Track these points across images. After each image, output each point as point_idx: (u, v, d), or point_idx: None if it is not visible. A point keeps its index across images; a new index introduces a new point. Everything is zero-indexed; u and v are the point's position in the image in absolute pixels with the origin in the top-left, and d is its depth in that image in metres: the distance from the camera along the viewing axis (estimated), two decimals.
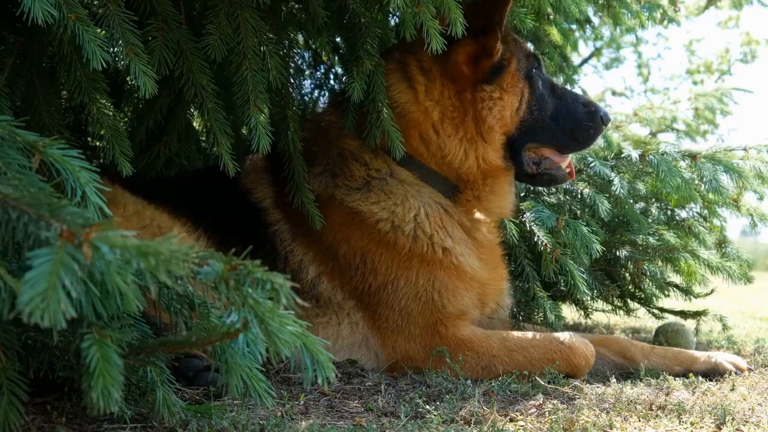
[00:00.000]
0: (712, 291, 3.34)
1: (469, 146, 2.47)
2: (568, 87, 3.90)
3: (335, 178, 2.47)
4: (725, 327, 3.37)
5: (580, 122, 2.56)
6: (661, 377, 2.32)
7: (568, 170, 2.62)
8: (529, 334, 2.35)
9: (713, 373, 2.44)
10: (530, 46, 2.89)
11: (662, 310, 3.46)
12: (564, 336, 2.33)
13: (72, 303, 0.96)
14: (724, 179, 2.77)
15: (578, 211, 2.98)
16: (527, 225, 2.79)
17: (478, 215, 2.58)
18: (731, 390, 2.19)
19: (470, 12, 2.16)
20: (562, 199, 3.07)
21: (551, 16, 3.37)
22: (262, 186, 2.53)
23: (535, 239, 2.72)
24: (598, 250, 2.62)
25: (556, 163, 2.59)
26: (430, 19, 2.06)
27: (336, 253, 2.41)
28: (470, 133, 2.47)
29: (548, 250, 2.67)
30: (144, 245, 1.03)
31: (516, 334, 2.36)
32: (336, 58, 3.65)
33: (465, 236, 2.51)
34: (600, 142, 3.79)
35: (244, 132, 2.26)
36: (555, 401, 1.94)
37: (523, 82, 2.52)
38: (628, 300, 3.44)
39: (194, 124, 2.99)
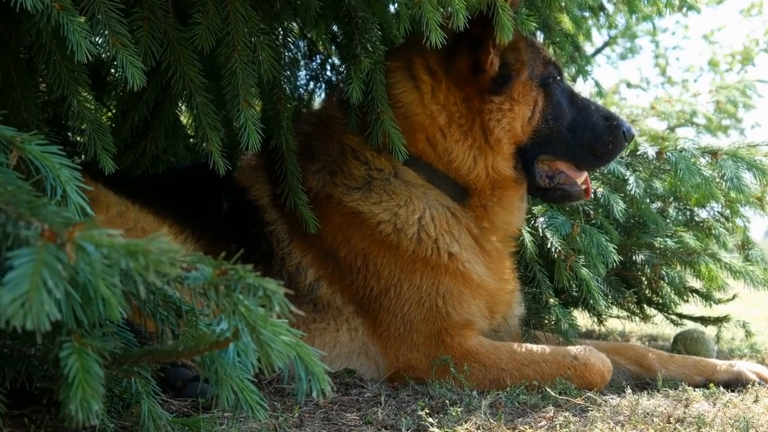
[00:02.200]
0: (734, 296, 3.34)
1: (479, 154, 2.48)
2: (581, 80, 3.90)
3: (334, 176, 2.48)
4: (748, 334, 3.37)
5: (599, 136, 2.55)
6: (680, 388, 2.31)
7: (584, 187, 2.60)
8: (541, 348, 2.35)
9: (735, 383, 2.44)
10: (539, 37, 2.88)
11: (681, 316, 3.46)
12: (578, 350, 2.32)
13: (56, 305, 0.96)
14: (747, 177, 2.76)
15: (592, 212, 2.97)
16: (540, 230, 2.78)
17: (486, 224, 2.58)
18: (755, 401, 2.18)
19: (470, 21, 2.17)
20: None
21: (562, 3, 3.36)
22: (259, 184, 2.54)
23: (548, 245, 2.71)
24: (615, 260, 2.62)
25: (571, 179, 2.58)
26: (430, 10, 2.06)
27: (336, 256, 2.41)
28: (479, 141, 2.47)
29: (562, 257, 2.66)
30: (133, 244, 1.03)
31: (526, 346, 2.35)
32: (333, 47, 3.65)
33: (473, 242, 2.51)
34: None
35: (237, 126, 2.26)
36: (566, 413, 1.94)
37: (536, 91, 2.52)
38: (645, 306, 3.44)
39: (182, 118, 2.99)
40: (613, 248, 2.63)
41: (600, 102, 3.94)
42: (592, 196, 2.68)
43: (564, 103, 2.57)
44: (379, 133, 2.40)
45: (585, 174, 2.61)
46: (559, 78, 2.60)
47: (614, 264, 2.63)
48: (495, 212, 2.56)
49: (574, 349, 2.33)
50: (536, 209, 2.86)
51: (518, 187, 2.58)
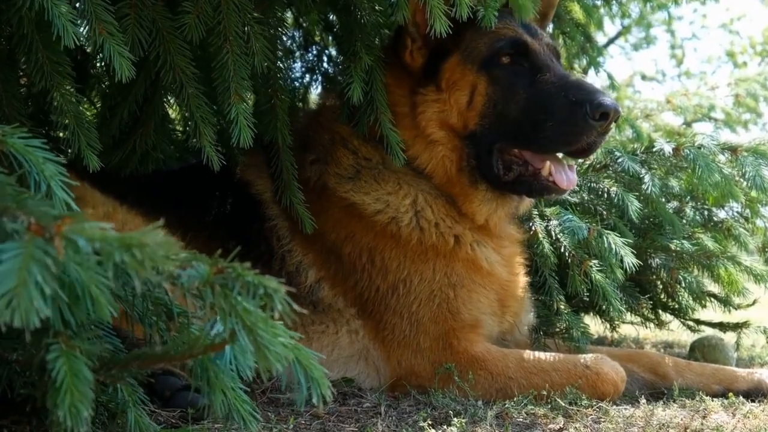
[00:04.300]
0: (754, 302, 3.35)
1: (426, 147, 2.50)
2: (593, 72, 3.89)
3: (327, 166, 2.54)
4: None
5: (550, 116, 2.32)
6: (697, 397, 2.33)
7: (551, 179, 2.40)
8: (551, 356, 2.35)
9: (756, 392, 2.45)
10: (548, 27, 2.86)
11: (698, 322, 3.47)
12: (590, 358, 2.32)
13: (44, 301, 0.97)
14: None
15: (604, 212, 2.97)
16: (552, 234, 2.78)
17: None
18: None
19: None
20: (586, 198, 3.06)
21: None
22: (262, 179, 2.59)
23: (561, 249, 2.70)
24: (633, 264, 2.53)
25: (536, 170, 2.42)
26: None
27: (340, 253, 2.44)
28: (421, 134, 2.49)
29: (576, 262, 2.64)
30: (127, 236, 1.02)
31: (535, 354, 2.36)
32: (330, 37, 3.66)
33: (474, 225, 2.53)
34: (629, 133, 3.78)
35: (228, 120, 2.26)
36: (577, 425, 1.95)
37: (475, 74, 2.44)
38: (660, 311, 3.45)
39: (170, 112, 3.00)
40: (632, 252, 2.56)
41: (613, 95, 3.92)
42: (572, 188, 2.46)
43: (520, 84, 2.41)
44: (366, 122, 2.44)
45: (548, 163, 2.40)
46: (514, 54, 2.45)
47: (633, 268, 2.54)
48: (473, 210, 2.54)
49: (585, 358, 2.34)
50: (549, 211, 2.85)
51: (475, 182, 2.50)
